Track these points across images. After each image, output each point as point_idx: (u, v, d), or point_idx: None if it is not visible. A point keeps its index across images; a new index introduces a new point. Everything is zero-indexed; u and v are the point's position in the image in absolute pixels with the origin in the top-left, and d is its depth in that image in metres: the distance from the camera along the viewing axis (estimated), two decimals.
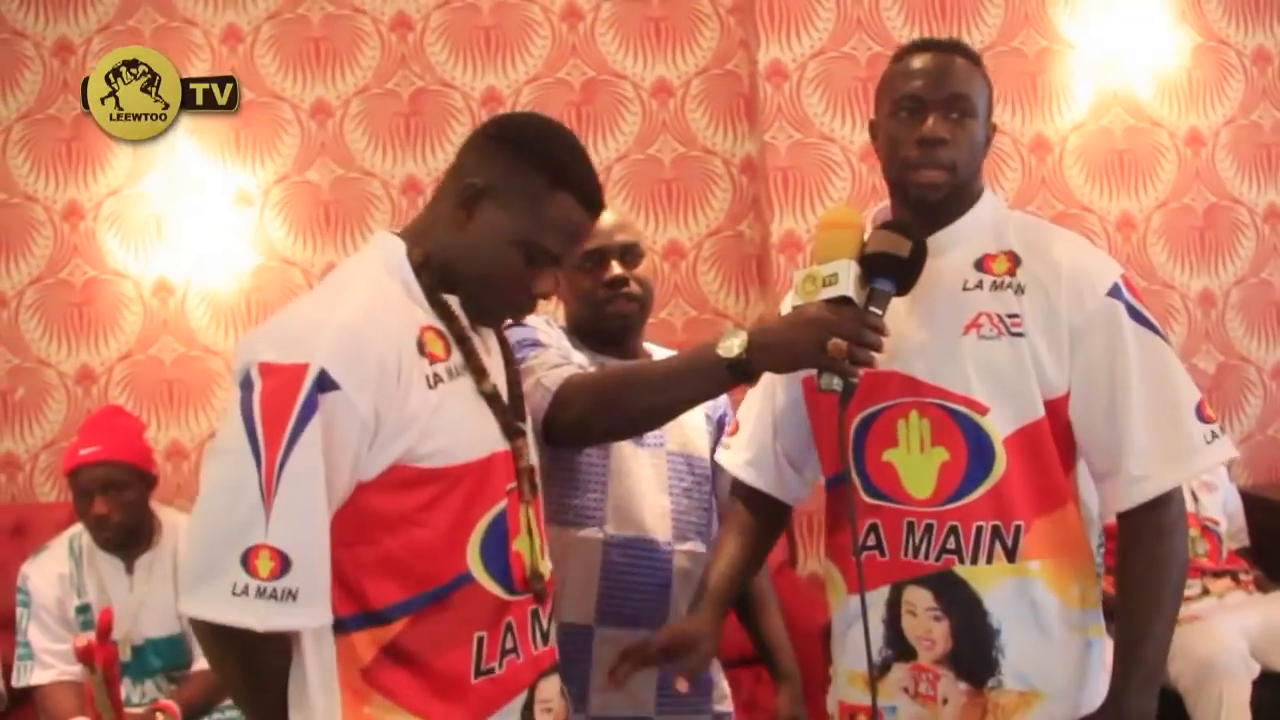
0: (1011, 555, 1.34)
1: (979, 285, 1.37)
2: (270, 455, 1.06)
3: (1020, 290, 1.35)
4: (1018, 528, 1.34)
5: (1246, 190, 3.29)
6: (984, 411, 1.34)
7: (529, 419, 1.32)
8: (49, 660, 2.35)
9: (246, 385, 1.09)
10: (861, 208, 1.45)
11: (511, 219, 1.21)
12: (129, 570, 2.40)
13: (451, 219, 1.22)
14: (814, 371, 1.31)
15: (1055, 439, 1.35)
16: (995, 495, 1.34)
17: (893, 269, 1.29)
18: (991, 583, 1.34)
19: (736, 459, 1.58)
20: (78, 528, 2.43)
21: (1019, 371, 1.33)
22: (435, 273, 1.22)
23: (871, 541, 1.39)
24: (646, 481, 1.59)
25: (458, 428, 1.17)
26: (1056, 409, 1.35)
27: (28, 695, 2.41)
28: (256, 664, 1.12)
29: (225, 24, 3.25)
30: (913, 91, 1.37)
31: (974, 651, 1.35)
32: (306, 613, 1.08)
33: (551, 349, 1.53)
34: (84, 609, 2.36)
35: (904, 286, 1.31)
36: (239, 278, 3.24)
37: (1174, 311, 3.26)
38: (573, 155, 1.26)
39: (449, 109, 3.28)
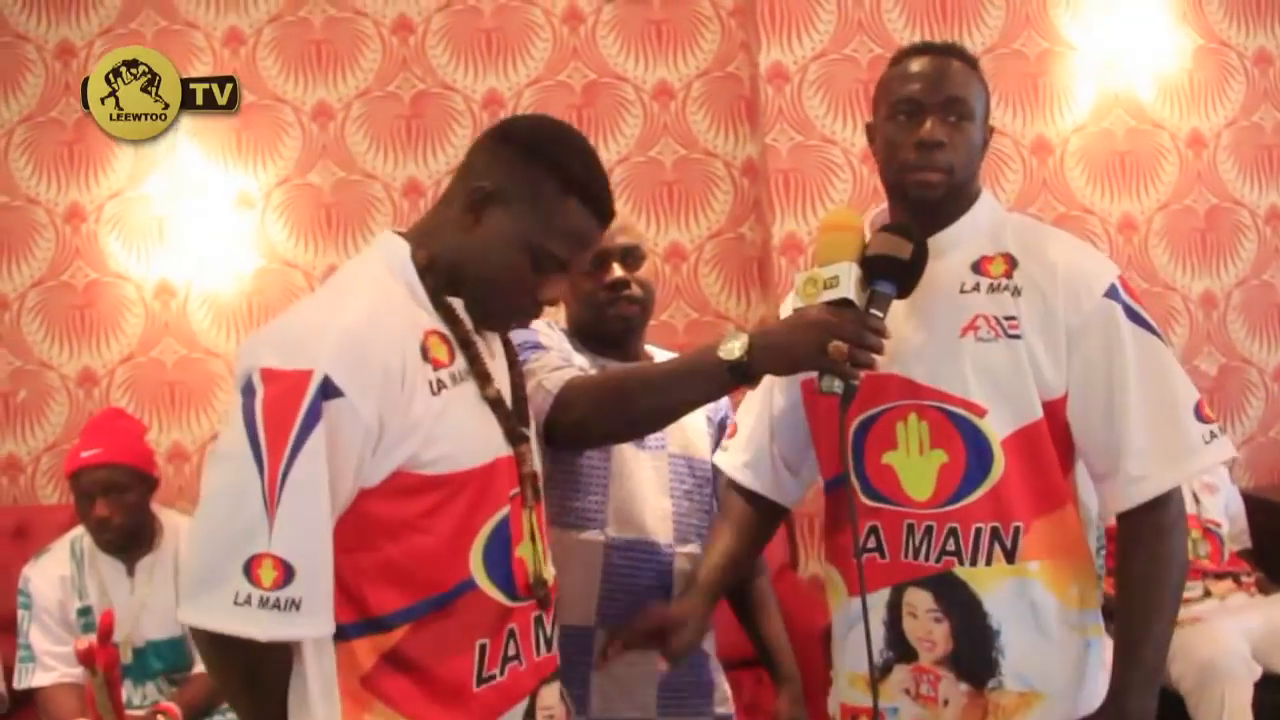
0: (1011, 556, 1.34)
1: (976, 288, 1.37)
2: (273, 463, 1.05)
3: (1017, 292, 1.35)
4: (1017, 529, 1.34)
5: (1248, 192, 3.29)
6: (982, 413, 1.34)
7: (533, 423, 1.31)
8: (50, 662, 2.35)
9: (248, 391, 1.08)
10: (863, 210, 1.45)
11: (519, 224, 1.19)
12: (130, 573, 2.40)
13: (458, 222, 1.21)
14: (814, 374, 1.31)
15: (1054, 440, 1.35)
16: (994, 497, 1.34)
17: (894, 271, 1.30)
18: (991, 584, 1.34)
19: (733, 461, 1.58)
20: (79, 530, 2.43)
21: (1016, 373, 1.33)
22: (440, 275, 1.20)
23: (872, 543, 1.39)
24: (648, 484, 1.59)
25: (461, 434, 1.16)
26: (1054, 410, 1.35)
27: (29, 697, 2.41)
28: (257, 673, 1.11)
29: (227, 27, 3.26)
30: (910, 95, 1.37)
31: (974, 652, 1.35)
32: (310, 622, 1.07)
33: (553, 351, 1.53)
34: (85, 611, 2.36)
35: (905, 289, 1.32)
36: (240, 280, 3.24)
37: (1175, 313, 3.26)
38: (584, 161, 1.24)
39: (450, 112, 3.28)
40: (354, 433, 1.08)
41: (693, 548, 1.62)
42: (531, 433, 1.29)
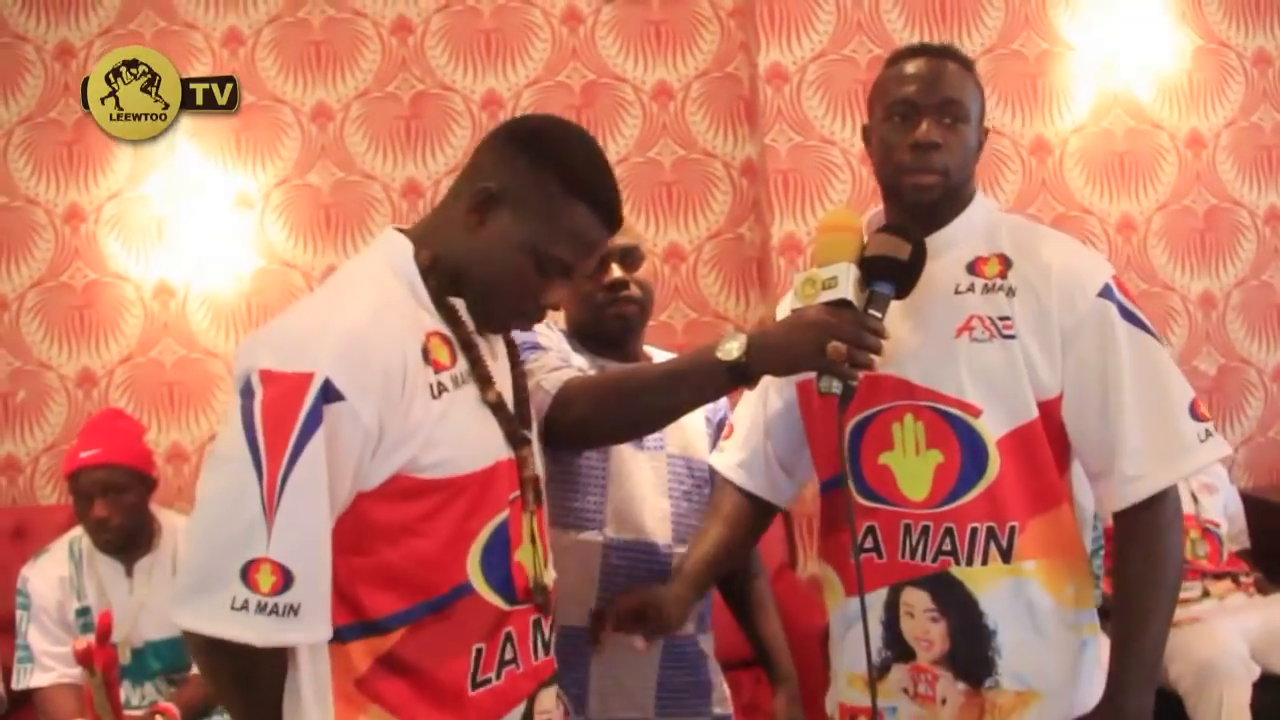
0: (1006, 556, 1.34)
1: (971, 288, 1.37)
2: (272, 467, 1.03)
3: (1011, 292, 1.36)
4: (1012, 528, 1.34)
5: (1247, 192, 3.30)
6: (977, 414, 1.34)
7: (535, 425, 1.30)
8: (49, 663, 2.35)
9: (247, 392, 1.06)
10: (862, 210, 1.45)
11: (524, 227, 1.17)
12: (129, 573, 2.40)
13: (462, 222, 1.19)
14: (810, 375, 1.30)
15: (1049, 440, 1.35)
16: (989, 497, 1.34)
17: (892, 272, 1.30)
18: (987, 583, 1.35)
19: (728, 460, 1.59)
20: (78, 530, 2.43)
21: (1011, 373, 1.34)
22: (443, 276, 1.18)
23: (869, 543, 1.40)
24: (646, 484, 1.59)
25: (461, 437, 1.15)
26: (1050, 410, 1.35)
27: (27, 698, 2.41)
28: (251, 677, 1.09)
29: (226, 27, 3.26)
30: (906, 96, 1.37)
31: (971, 652, 1.36)
32: (308, 628, 1.06)
33: (552, 352, 1.53)
34: (84, 612, 2.36)
35: (903, 289, 1.32)
36: (239, 280, 3.24)
37: (1174, 313, 3.27)
38: (592, 164, 1.22)
39: (449, 112, 3.28)
40: (354, 436, 1.06)
41: None
42: (534, 435, 1.28)
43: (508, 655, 1.19)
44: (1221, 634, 2.46)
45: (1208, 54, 3.29)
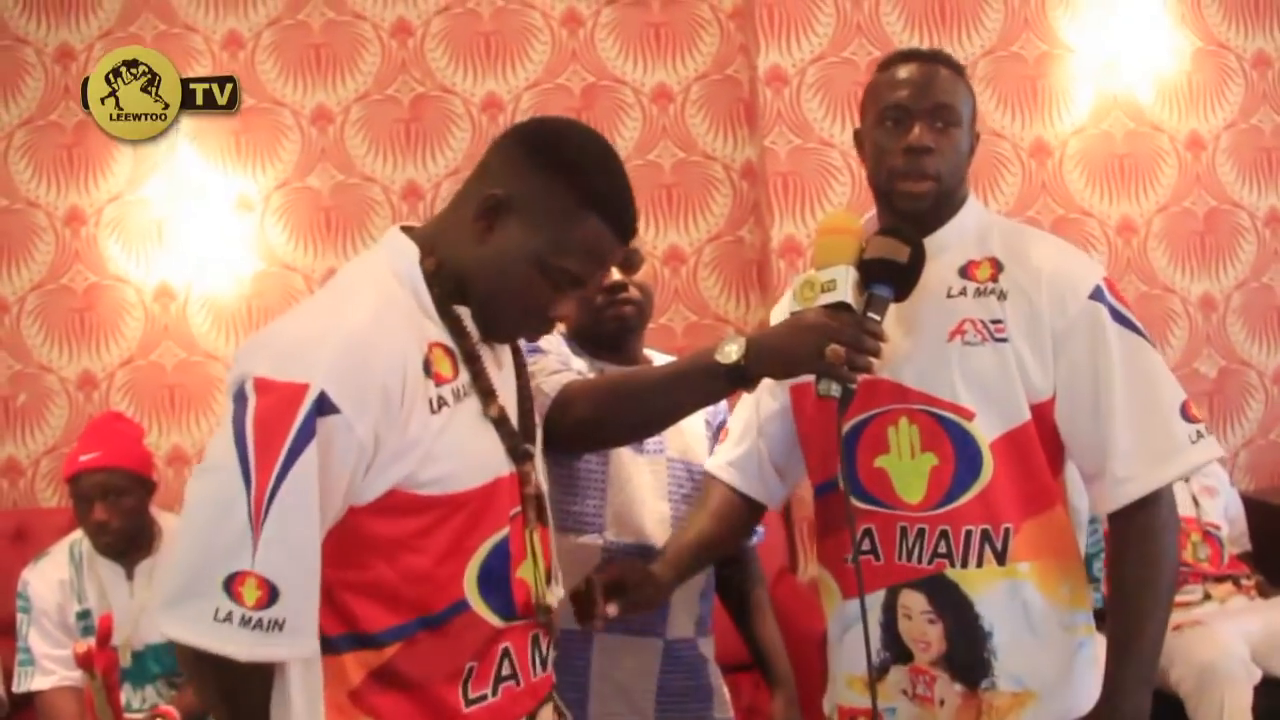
0: (1001, 558, 1.35)
1: (963, 292, 1.38)
2: (261, 478, 1.00)
3: (1003, 296, 1.36)
4: (1006, 530, 1.35)
5: (1247, 194, 3.29)
6: (970, 417, 1.35)
7: (539, 436, 1.27)
8: (49, 666, 2.35)
9: (240, 399, 1.04)
10: (861, 213, 1.45)
11: (534, 237, 1.13)
12: (129, 576, 2.40)
13: (470, 228, 1.14)
14: (805, 378, 1.30)
15: (1042, 442, 1.36)
16: (983, 499, 1.35)
17: (891, 275, 1.30)
18: (982, 585, 1.35)
19: (719, 460, 1.59)
20: (78, 533, 2.43)
21: (1004, 377, 1.34)
22: (447, 283, 1.14)
23: (866, 546, 1.40)
24: (646, 488, 1.59)
25: (461, 453, 1.11)
26: (1042, 413, 1.35)
27: (28, 701, 2.42)
28: (238, 689, 1.06)
29: (226, 30, 3.26)
30: (898, 101, 1.38)
31: (967, 653, 1.36)
32: (292, 643, 1.03)
33: (551, 355, 1.53)
34: (84, 615, 2.36)
35: (902, 292, 1.32)
36: (240, 283, 3.24)
37: (1175, 316, 3.26)
38: (607, 174, 1.17)
39: (449, 115, 3.28)
40: (348, 450, 1.03)
41: None
42: (538, 449, 1.24)
43: (505, 671, 1.16)
44: (1222, 637, 2.46)
45: (1207, 56, 3.29)
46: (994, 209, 3.07)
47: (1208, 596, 2.71)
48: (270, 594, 1.00)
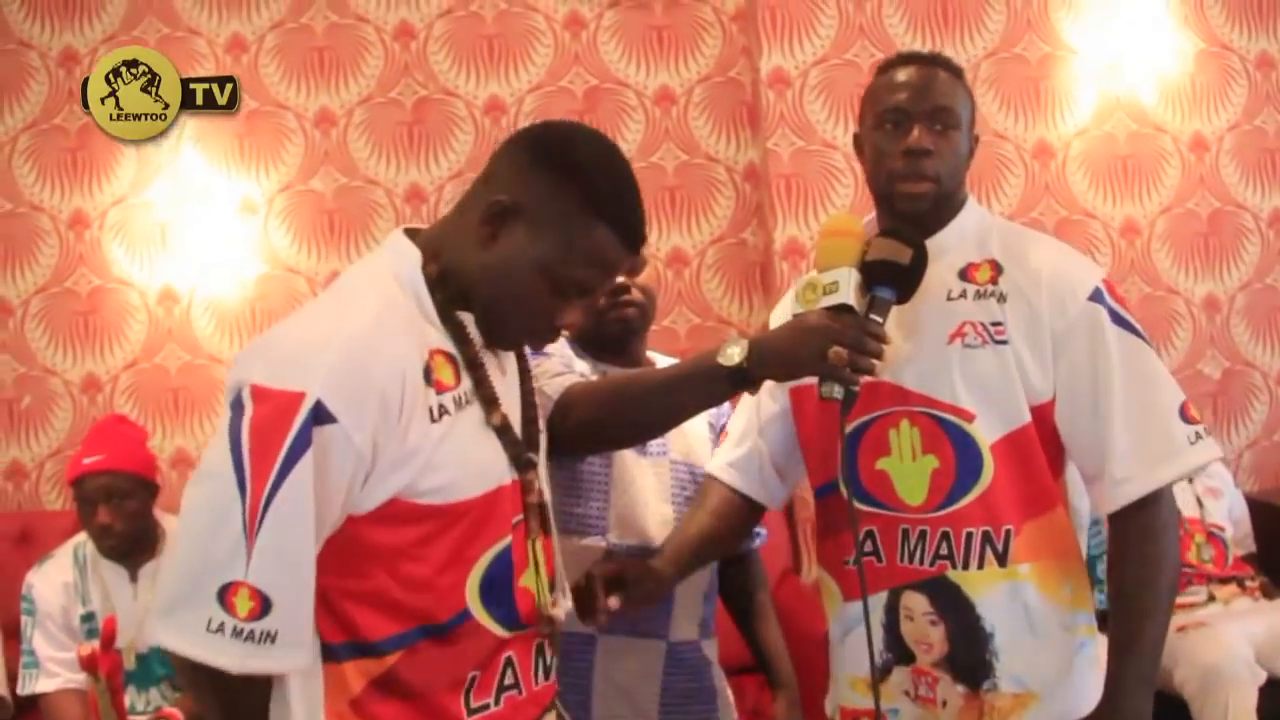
0: (1002, 560, 1.35)
1: (963, 294, 1.38)
2: (256, 488, 0.99)
3: (1003, 298, 1.36)
4: (1008, 532, 1.35)
5: (1250, 195, 3.29)
6: (971, 419, 1.35)
7: (543, 444, 1.26)
8: (54, 668, 2.35)
9: (237, 406, 1.03)
10: (864, 215, 1.45)
11: (540, 245, 1.11)
12: (133, 579, 2.40)
13: (474, 234, 1.12)
14: (806, 380, 1.30)
15: (1042, 444, 1.36)
16: (984, 501, 1.35)
17: (893, 277, 1.30)
18: (983, 587, 1.35)
19: (719, 461, 1.59)
20: (82, 536, 2.43)
21: (1004, 379, 1.34)
22: (450, 289, 1.13)
23: (868, 548, 1.40)
24: (649, 490, 1.59)
25: (462, 461, 1.09)
26: (1042, 414, 1.35)
27: (33, 703, 2.42)
28: (235, 699, 1.05)
29: (230, 33, 3.27)
30: (897, 104, 1.38)
31: (969, 654, 1.36)
32: (285, 656, 1.02)
33: (554, 357, 1.54)
34: (88, 617, 2.37)
35: (905, 294, 1.32)
36: (243, 286, 3.24)
37: (1178, 317, 3.26)
38: (616, 182, 1.14)
39: (452, 118, 3.28)
40: (345, 460, 1.01)
41: None
42: (541, 457, 1.23)
43: (508, 680, 1.15)
44: (1227, 638, 2.45)
45: (1210, 57, 3.28)
46: (997, 211, 3.07)
47: (1212, 598, 2.71)
48: (263, 605, 1.00)
